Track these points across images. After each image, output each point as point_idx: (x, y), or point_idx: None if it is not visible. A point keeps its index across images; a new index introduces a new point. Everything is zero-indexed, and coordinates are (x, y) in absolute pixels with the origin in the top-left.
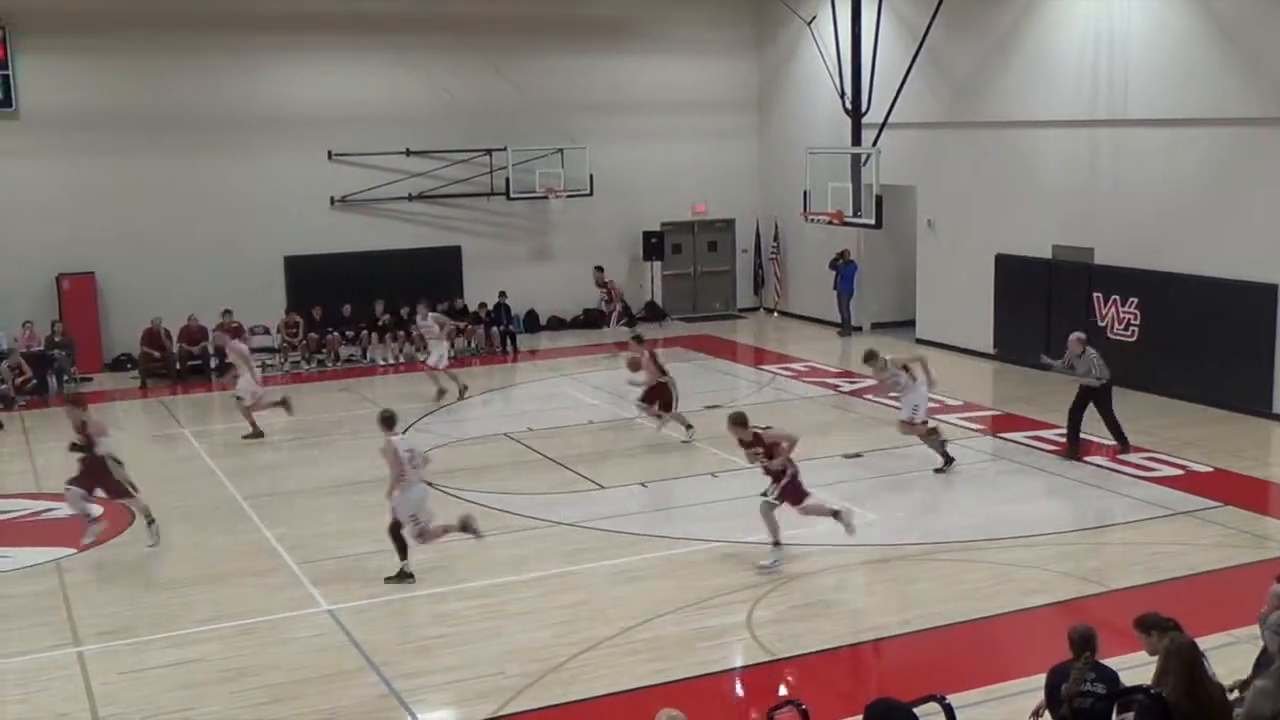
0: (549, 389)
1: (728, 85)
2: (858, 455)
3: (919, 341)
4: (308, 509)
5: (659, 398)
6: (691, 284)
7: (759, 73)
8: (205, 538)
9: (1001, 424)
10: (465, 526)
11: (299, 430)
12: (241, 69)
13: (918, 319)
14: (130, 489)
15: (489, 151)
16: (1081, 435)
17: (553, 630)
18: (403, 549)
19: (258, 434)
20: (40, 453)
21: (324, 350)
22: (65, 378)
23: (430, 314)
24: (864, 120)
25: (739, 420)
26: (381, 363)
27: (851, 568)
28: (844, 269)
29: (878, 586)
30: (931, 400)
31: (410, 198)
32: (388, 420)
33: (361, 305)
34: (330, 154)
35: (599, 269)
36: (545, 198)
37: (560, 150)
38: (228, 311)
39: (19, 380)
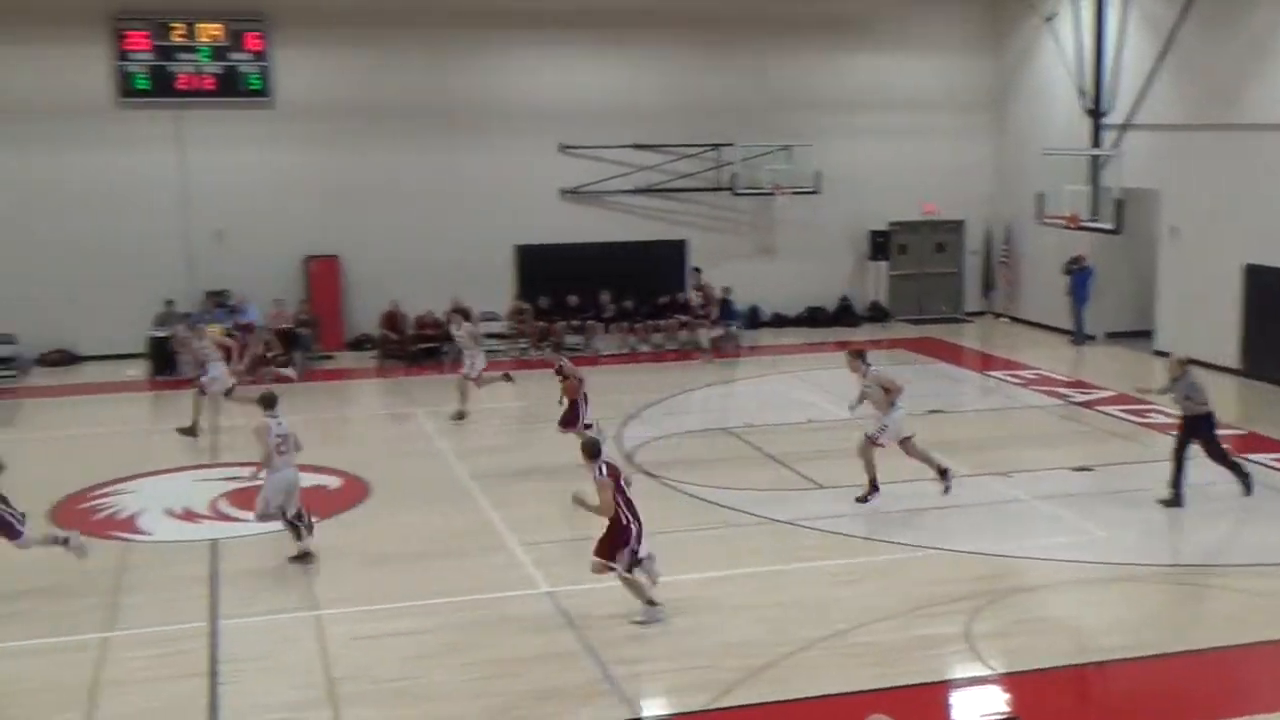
0: (770, 386)
1: (961, 84)
2: (1087, 469)
3: (1157, 354)
4: (530, 491)
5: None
6: (918, 285)
7: (994, 71)
8: (433, 515)
9: (1246, 444)
10: None
11: (523, 415)
12: (479, 62)
13: (1157, 330)
14: None
15: (716, 146)
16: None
17: (767, 627)
18: (297, 531)
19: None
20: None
21: (550, 338)
22: (309, 355)
23: (465, 324)
24: (1104, 121)
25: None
26: (606, 353)
27: (1077, 584)
28: (1078, 275)
29: (1106, 606)
30: None
31: (636, 191)
32: (266, 401)
33: (588, 296)
34: (561, 146)
35: (696, 270)
36: (771, 194)
37: (788, 147)
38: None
39: (270, 355)
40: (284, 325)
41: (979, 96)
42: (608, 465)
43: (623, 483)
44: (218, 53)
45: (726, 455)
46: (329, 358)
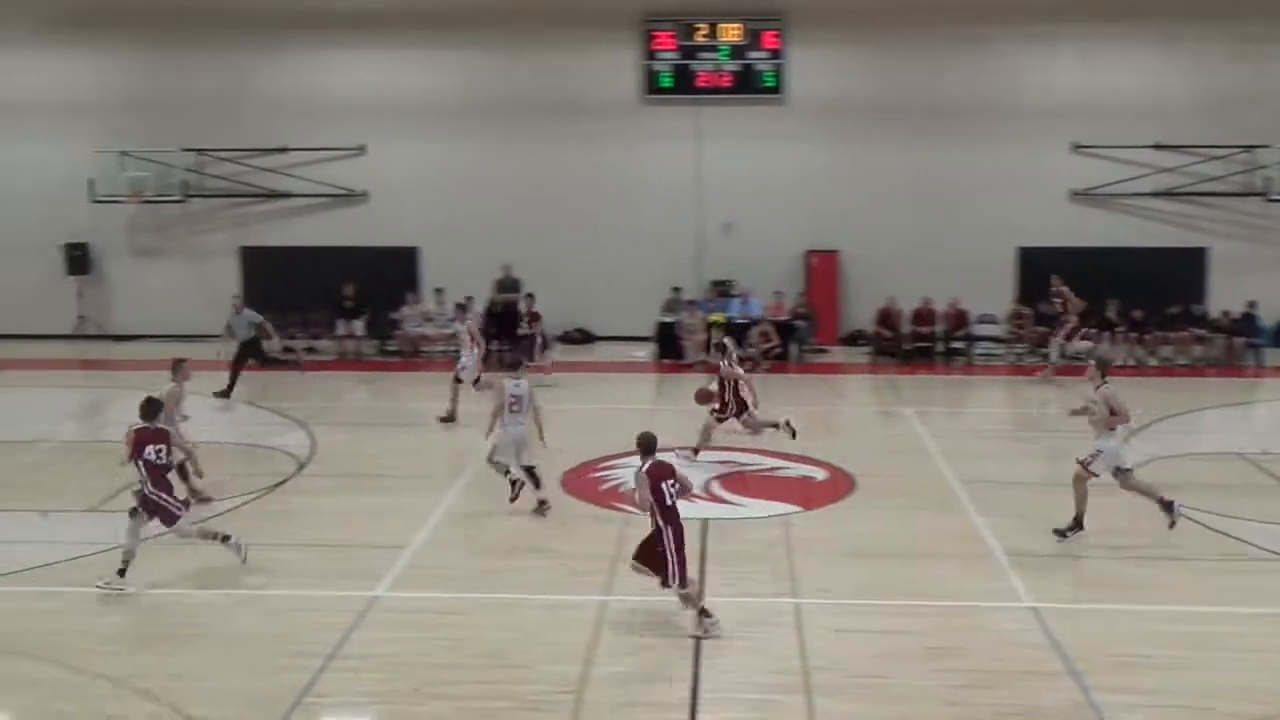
0: None
1: None
2: None
3: None
4: (1019, 500)
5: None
6: None
7: None
8: (917, 516)
9: None
10: None
11: (1021, 422)
12: (986, 61)
13: None
14: None
15: (1249, 148)
16: None
17: (1275, 676)
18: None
19: None
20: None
21: (1049, 344)
22: (804, 347)
23: (468, 319)
24: None
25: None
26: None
27: None
28: None
29: None
30: None
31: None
32: (511, 365)
33: (1095, 303)
34: (1073, 146)
35: (1055, 277)
36: None
37: None
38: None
39: (765, 346)
40: (781, 317)
41: None
42: (656, 464)
43: (666, 486)
44: (736, 51)
45: (1239, 481)
46: (823, 351)
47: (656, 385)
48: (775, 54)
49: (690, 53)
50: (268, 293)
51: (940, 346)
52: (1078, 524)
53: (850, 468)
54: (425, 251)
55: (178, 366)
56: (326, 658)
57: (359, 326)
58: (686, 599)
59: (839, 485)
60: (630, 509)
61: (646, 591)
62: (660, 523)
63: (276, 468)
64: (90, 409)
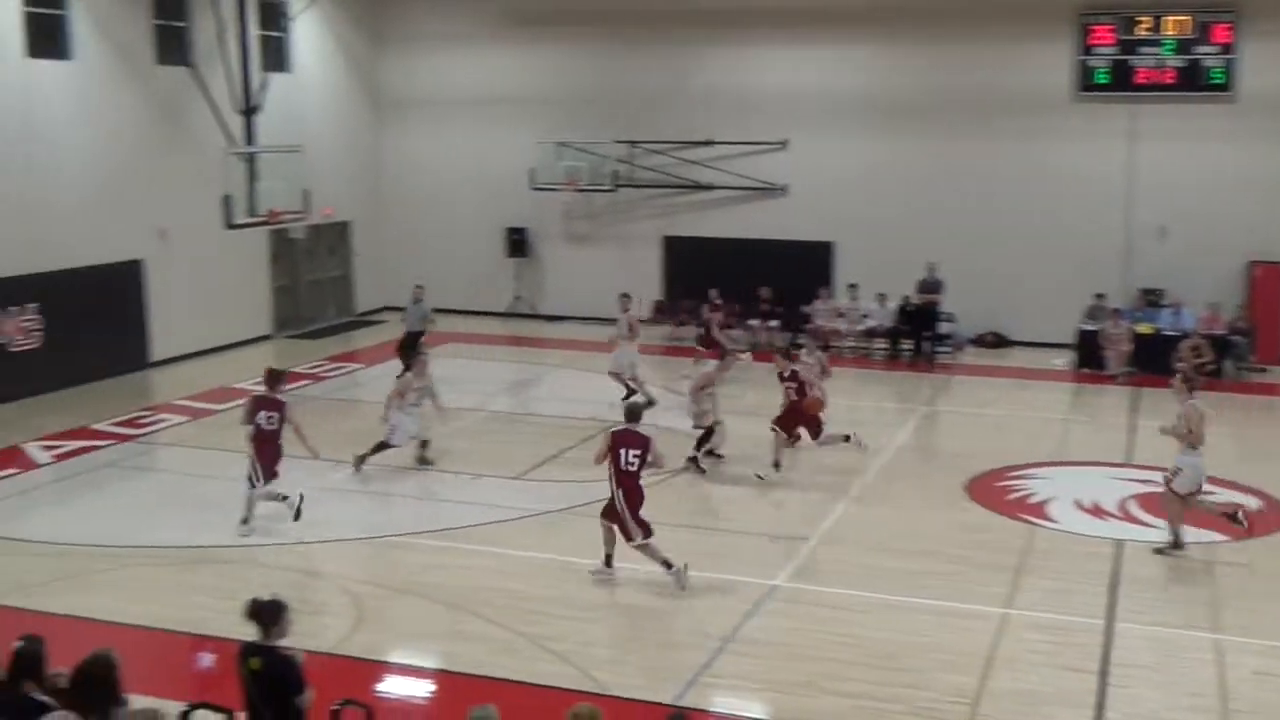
0: None
1: None
2: None
3: None
4: None
5: None
6: None
7: None
8: None
9: None
10: None
11: None
12: None
13: None
14: None
15: None
16: None
17: None
18: None
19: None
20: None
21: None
22: (1240, 364)
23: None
24: None
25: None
26: None
27: None
28: None
29: None
30: None
31: None
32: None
33: None
34: None
35: None
36: None
37: None
38: None
39: (1196, 361)
40: (1217, 331)
41: None
42: (625, 431)
43: (625, 452)
44: (1182, 45)
45: None
46: (1263, 370)
47: (1073, 395)
48: (1226, 48)
49: (1130, 47)
50: (687, 281)
51: None
52: (1176, 543)
53: None
54: (840, 247)
55: (416, 360)
56: (724, 640)
57: (773, 323)
58: (645, 549)
59: (1274, 517)
60: (1038, 521)
61: (1049, 608)
62: (613, 485)
63: (685, 451)
64: (520, 384)
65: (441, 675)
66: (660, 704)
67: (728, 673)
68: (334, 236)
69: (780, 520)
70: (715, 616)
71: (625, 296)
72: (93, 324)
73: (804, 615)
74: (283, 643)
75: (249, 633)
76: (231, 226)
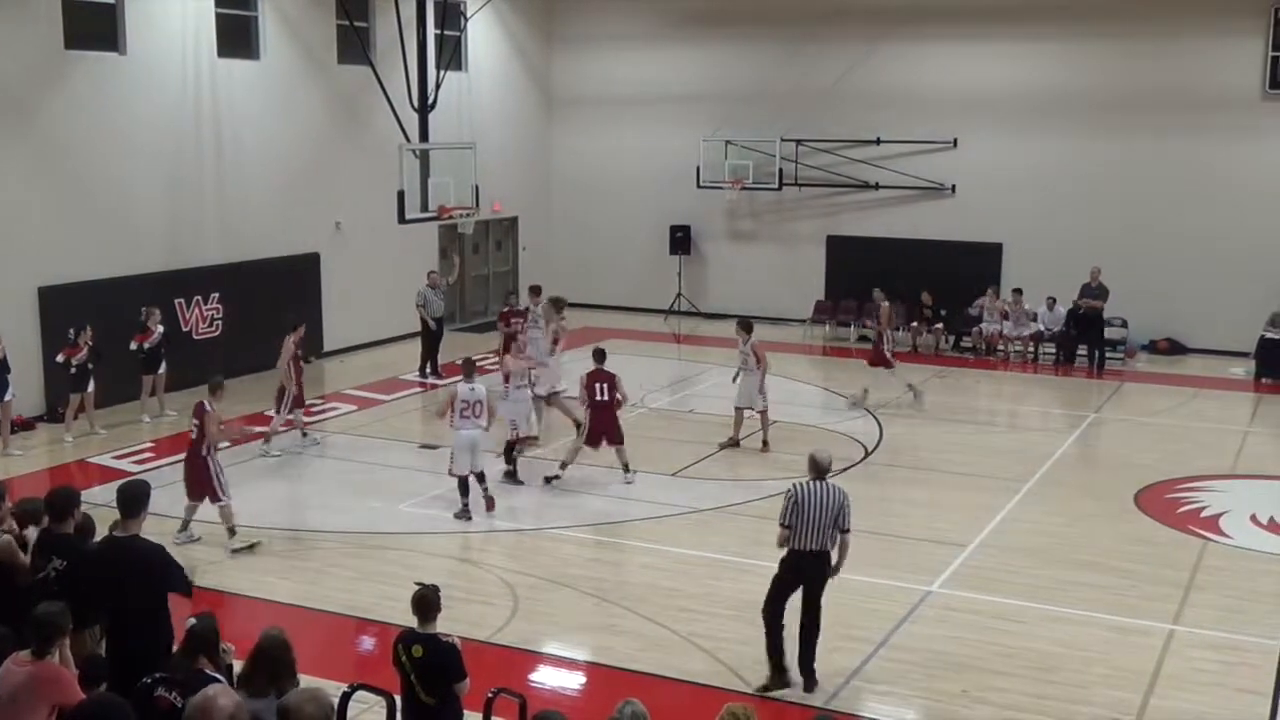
0: None
1: None
2: None
3: None
4: None
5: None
6: None
7: None
8: None
9: None
10: None
11: None
12: None
13: None
14: None
15: None
16: None
17: None
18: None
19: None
20: None
21: None
22: None
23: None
24: None
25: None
26: None
27: None
28: None
29: None
30: None
31: None
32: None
33: None
34: None
35: None
36: None
37: None
38: None
39: None
40: None
41: None
42: (596, 371)
43: (598, 385)
44: None
45: None
46: None
47: (1253, 406)
48: None
49: None
50: (849, 282)
51: None
52: None
53: None
54: (1009, 248)
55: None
56: (877, 644)
57: (937, 326)
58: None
59: None
60: (1210, 535)
61: (1220, 626)
62: (586, 411)
63: (845, 453)
64: (678, 382)
65: (593, 668)
66: (810, 705)
67: (880, 678)
68: (501, 232)
69: (939, 525)
70: (868, 620)
71: (740, 325)
72: (270, 314)
73: (960, 622)
74: (440, 630)
75: (406, 619)
76: (404, 221)
